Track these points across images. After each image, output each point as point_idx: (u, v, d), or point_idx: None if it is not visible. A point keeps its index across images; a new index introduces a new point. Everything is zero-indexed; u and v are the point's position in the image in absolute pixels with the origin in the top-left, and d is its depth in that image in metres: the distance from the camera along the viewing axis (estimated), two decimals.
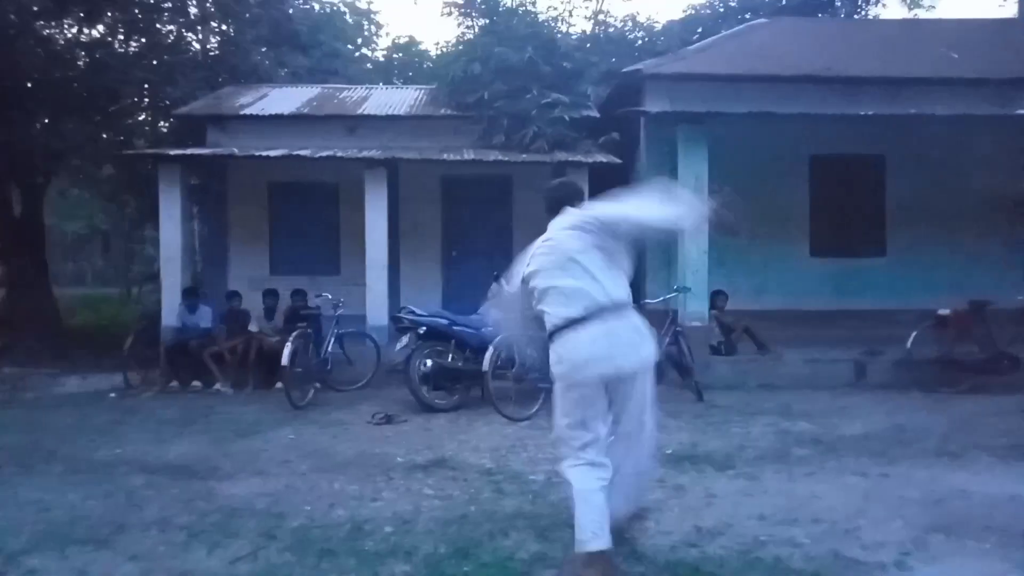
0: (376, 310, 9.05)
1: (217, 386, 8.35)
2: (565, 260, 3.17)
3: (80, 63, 12.36)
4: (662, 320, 7.72)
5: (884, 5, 20.69)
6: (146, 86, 12.29)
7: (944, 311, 8.00)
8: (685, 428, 6.14)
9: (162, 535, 3.67)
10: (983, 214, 10.11)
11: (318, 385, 7.77)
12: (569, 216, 3.31)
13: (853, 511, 4.00)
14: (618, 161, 9.27)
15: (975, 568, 3.23)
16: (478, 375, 6.80)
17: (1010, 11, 20.26)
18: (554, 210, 3.41)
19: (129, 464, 5.08)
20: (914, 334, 7.92)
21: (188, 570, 3.23)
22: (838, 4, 19.32)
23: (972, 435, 5.85)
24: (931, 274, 9.94)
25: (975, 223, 10.11)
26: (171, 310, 9.08)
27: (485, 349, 6.76)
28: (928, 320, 8.04)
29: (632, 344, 3.12)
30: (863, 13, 19.71)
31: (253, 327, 8.75)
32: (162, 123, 13.17)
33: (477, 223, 10.77)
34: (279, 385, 7.90)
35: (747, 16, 16.86)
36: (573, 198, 3.46)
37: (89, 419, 6.80)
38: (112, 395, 8.22)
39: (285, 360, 7.09)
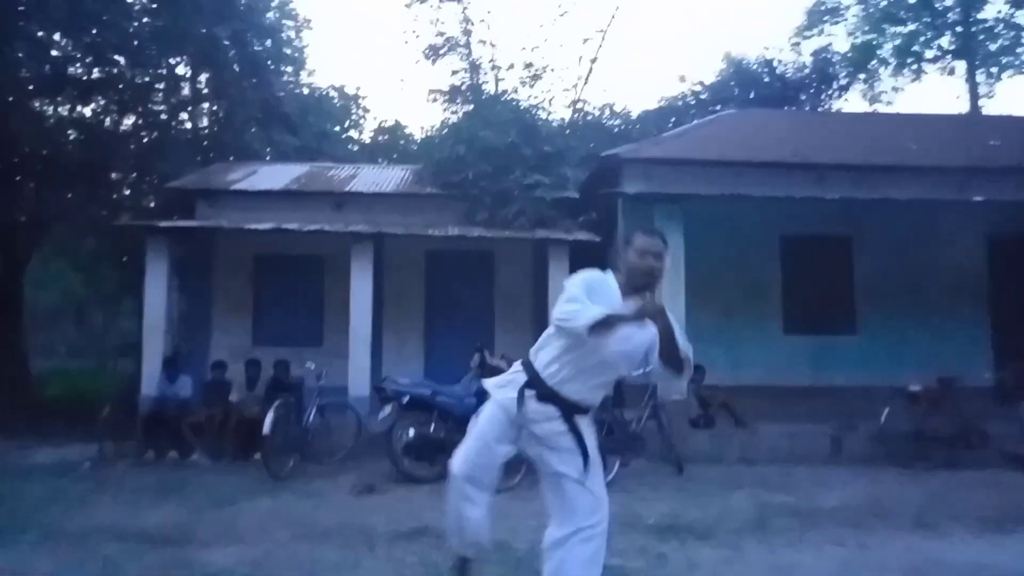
0: (358, 381, 9.06)
1: (194, 456, 8.23)
2: None
3: (71, 138, 12.65)
4: (641, 394, 7.85)
5: (846, 99, 21.95)
6: (133, 161, 12.56)
7: (915, 387, 8.24)
8: (666, 499, 6.18)
9: None
10: (948, 292, 10.53)
11: (298, 456, 7.69)
12: None
13: None
14: (597, 239, 9.58)
15: None
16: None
17: (963, 107, 21.61)
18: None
19: (104, 533, 4.99)
20: (887, 410, 8.11)
21: None
22: (803, 98, 20.44)
23: (946, 507, 5.97)
24: (901, 350, 10.22)
25: (941, 301, 10.50)
26: (151, 379, 9.01)
27: (467, 419, 6.72)
28: (900, 396, 8.25)
29: None
30: (827, 106, 20.85)
31: (233, 397, 8.71)
32: (150, 197, 13.40)
33: (459, 296, 10.94)
34: (257, 456, 7.82)
35: (717, 107, 17.78)
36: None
37: (62, 489, 6.65)
38: (86, 465, 8.04)
39: (267, 429, 7.07)
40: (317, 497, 6.29)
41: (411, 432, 6.88)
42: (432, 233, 9.61)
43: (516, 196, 10.36)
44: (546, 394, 3.14)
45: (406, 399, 7.04)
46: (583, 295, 3.07)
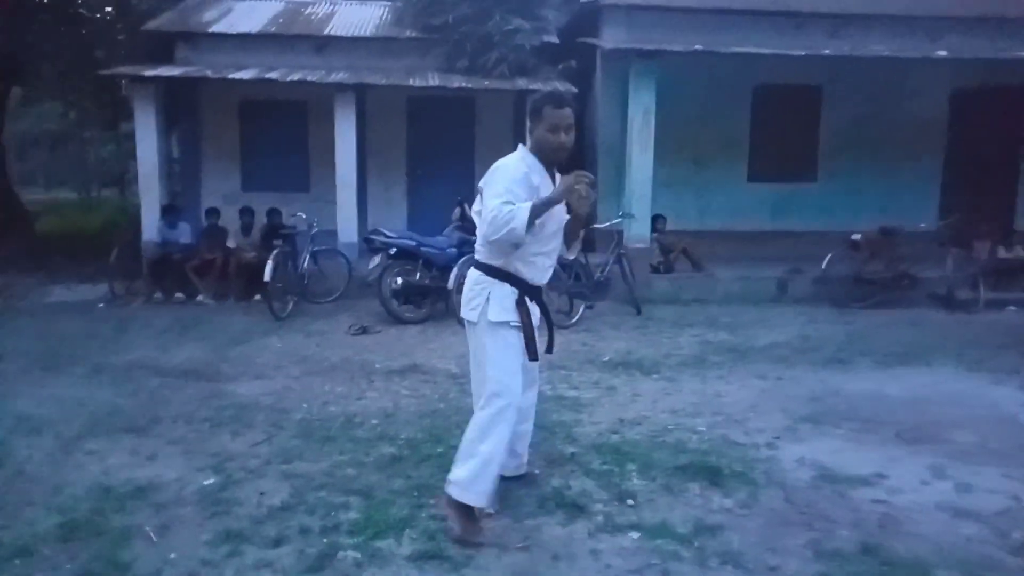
0: (347, 228, 9.71)
1: (200, 297, 9.01)
2: None
3: None
4: (608, 242, 8.60)
5: None
6: None
7: (856, 236, 8.99)
8: (623, 338, 7.11)
9: (189, 426, 4.49)
10: (907, 145, 11.07)
11: (296, 298, 8.49)
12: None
13: (746, 407, 4.99)
14: (575, 90, 9.84)
15: (826, 446, 4.23)
16: (443, 291, 7.64)
17: None
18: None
19: (143, 368, 5.84)
20: (829, 255, 8.89)
21: (219, 451, 4.06)
22: None
23: (863, 344, 6.90)
24: (856, 199, 10.95)
25: (899, 153, 11.07)
26: (150, 225, 9.59)
27: (449, 268, 7.58)
28: (844, 243, 9.04)
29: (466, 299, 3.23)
30: None
31: (231, 243, 9.35)
32: (123, 35, 13.05)
33: (440, 143, 11.31)
34: (257, 297, 8.64)
35: None
36: None
37: (91, 327, 7.48)
38: (101, 305, 8.83)
39: (268, 276, 7.77)
40: (319, 336, 7.15)
41: (399, 280, 7.65)
42: (413, 83, 9.80)
43: (497, 42, 10.42)
44: (532, 291, 3.19)
45: (394, 250, 7.74)
46: (509, 193, 2.92)
